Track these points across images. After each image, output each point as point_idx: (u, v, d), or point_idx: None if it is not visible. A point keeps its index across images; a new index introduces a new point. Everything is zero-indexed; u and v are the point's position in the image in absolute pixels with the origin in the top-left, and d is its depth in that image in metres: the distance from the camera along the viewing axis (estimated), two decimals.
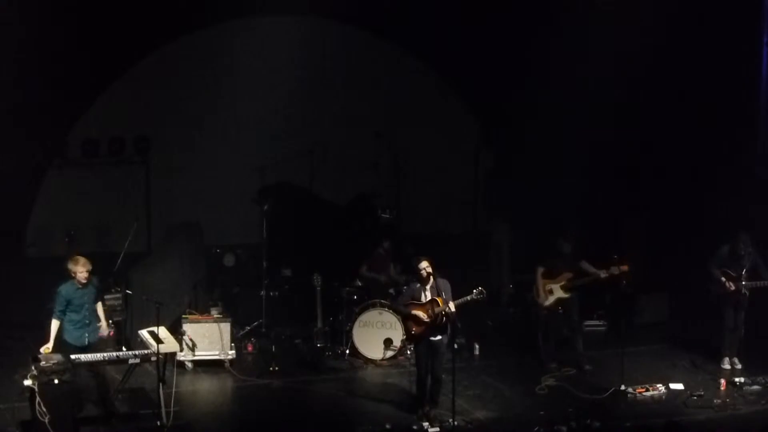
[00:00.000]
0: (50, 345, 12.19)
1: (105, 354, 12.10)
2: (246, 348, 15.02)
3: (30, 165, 15.81)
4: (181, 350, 13.60)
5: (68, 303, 12.27)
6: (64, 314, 12.28)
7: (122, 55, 16.00)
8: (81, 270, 12.20)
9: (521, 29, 16.56)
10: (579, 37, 15.84)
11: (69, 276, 12.29)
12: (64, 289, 12.30)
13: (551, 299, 14.57)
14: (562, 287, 14.52)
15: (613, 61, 15.76)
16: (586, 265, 14.47)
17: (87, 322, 12.32)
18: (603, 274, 14.43)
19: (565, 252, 14.37)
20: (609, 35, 15.60)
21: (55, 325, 12.29)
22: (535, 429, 12.18)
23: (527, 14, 16.45)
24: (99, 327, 12.50)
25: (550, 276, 14.58)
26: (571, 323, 14.70)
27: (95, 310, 12.48)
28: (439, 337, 12.59)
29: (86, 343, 12.28)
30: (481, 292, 12.38)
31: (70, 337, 12.28)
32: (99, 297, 12.63)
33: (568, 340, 14.86)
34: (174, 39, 16.44)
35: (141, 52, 16.26)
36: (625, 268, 14.22)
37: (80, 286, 12.26)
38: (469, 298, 12.44)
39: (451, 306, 12.36)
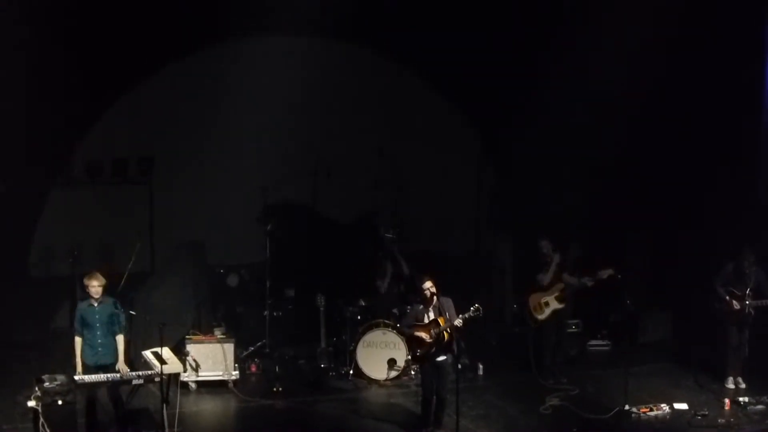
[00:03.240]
0: (78, 366, 12.22)
1: (108, 375, 12.06)
2: (249, 368, 15.02)
3: (33, 185, 15.80)
4: (185, 371, 13.59)
5: (83, 320, 12.27)
6: (82, 332, 12.27)
7: (124, 75, 16.00)
8: (93, 284, 12.18)
9: (523, 46, 16.56)
10: (582, 52, 15.83)
11: (87, 293, 12.30)
12: (80, 305, 12.38)
13: (547, 311, 14.59)
14: (556, 298, 14.55)
15: (617, 79, 15.75)
16: (567, 277, 14.52)
17: (98, 341, 12.23)
18: (589, 283, 14.45)
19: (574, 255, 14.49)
20: (612, 51, 15.59)
21: (75, 342, 12.32)
22: None
23: (529, 30, 16.46)
24: (116, 357, 12.31)
25: (542, 289, 14.61)
26: (560, 335, 14.74)
27: (111, 333, 12.30)
28: (443, 357, 12.58)
29: (97, 363, 12.21)
30: (477, 309, 12.38)
31: (84, 355, 12.27)
32: (120, 326, 12.37)
33: (574, 360, 14.84)
34: (176, 59, 16.43)
35: (143, 73, 16.26)
36: (610, 271, 14.24)
37: (93, 303, 12.24)
38: (466, 315, 12.42)
39: (457, 322, 12.35)
